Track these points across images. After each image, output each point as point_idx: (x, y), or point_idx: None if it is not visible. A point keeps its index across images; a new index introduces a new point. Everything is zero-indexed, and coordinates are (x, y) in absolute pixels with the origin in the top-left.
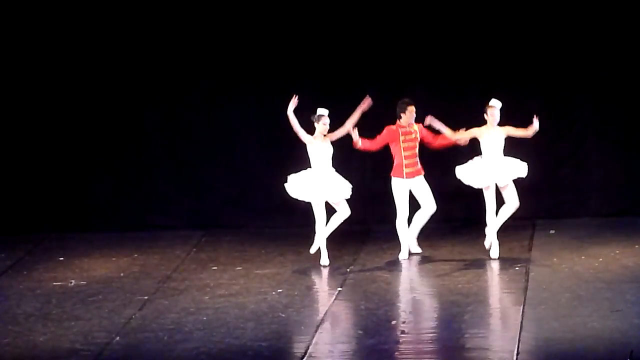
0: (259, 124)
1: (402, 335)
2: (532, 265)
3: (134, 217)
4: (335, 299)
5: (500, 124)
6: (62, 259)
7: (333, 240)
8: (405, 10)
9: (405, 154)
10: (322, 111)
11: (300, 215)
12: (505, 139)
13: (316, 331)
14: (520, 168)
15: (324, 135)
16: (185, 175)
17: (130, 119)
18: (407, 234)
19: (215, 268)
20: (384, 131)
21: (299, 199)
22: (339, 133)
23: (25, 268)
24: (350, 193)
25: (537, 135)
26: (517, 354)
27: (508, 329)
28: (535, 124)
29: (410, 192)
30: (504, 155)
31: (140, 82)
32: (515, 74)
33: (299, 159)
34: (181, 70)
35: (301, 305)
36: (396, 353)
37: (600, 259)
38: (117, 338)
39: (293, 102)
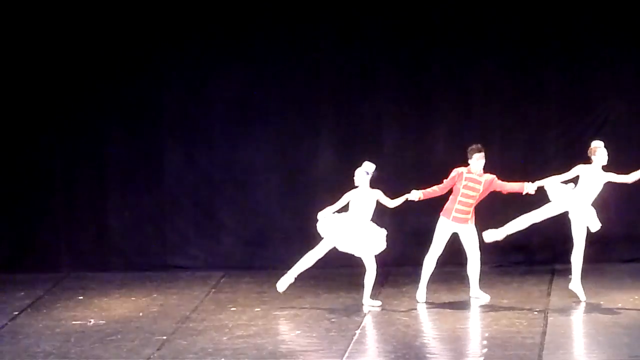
0: (279, 165)
1: None
2: (551, 310)
3: (153, 257)
4: (353, 342)
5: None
6: (81, 298)
7: (351, 281)
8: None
9: (460, 199)
10: (366, 165)
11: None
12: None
13: None
14: (594, 222)
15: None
16: (204, 216)
17: (150, 160)
18: (427, 276)
19: (234, 309)
20: (452, 173)
21: (324, 235)
22: (385, 201)
23: (44, 307)
24: (379, 250)
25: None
26: None
27: None
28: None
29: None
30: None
31: (161, 122)
32: (535, 118)
33: (319, 201)
34: (202, 110)
35: (319, 347)
36: None
37: (619, 305)
38: None
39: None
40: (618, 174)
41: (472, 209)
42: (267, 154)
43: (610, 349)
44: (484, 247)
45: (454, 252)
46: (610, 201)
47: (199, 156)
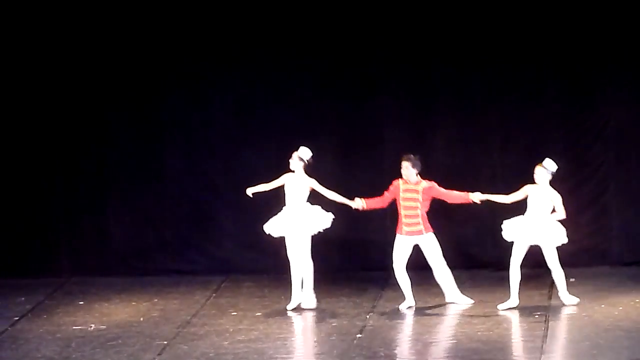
0: (280, 169)
1: None
2: (552, 313)
3: (154, 261)
4: (354, 346)
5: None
6: (82, 303)
7: (351, 286)
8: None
9: (403, 212)
10: (301, 151)
11: (321, 262)
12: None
13: None
14: (559, 235)
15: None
16: (205, 220)
17: (151, 164)
18: (407, 285)
19: (235, 313)
20: (390, 187)
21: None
22: (321, 190)
23: (45, 311)
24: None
25: (557, 183)
26: None
27: None
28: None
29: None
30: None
31: (162, 127)
32: (535, 121)
33: (320, 205)
34: (203, 115)
35: (320, 351)
36: None
37: (620, 308)
38: None
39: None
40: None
41: (420, 219)
42: (267, 157)
43: (610, 352)
44: (485, 249)
45: (459, 255)
46: (612, 204)
47: (199, 160)
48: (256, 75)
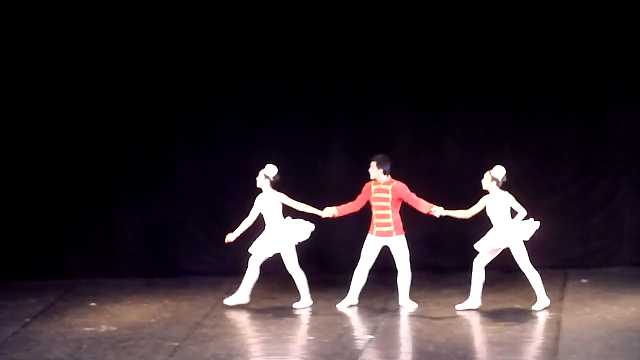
0: (291, 171)
1: None
2: (564, 314)
3: (165, 263)
4: (366, 347)
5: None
6: (93, 304)
7: (364, 287)
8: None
9: (375, 212)
10: (267, 169)
11: (332, 263)
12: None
13: None
14: (526, 230)
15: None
16: (216, 221)
17: (161, 166)
18: (358, 286)
19: (247, 315)
20: (363, 189)
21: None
22: (291, 204)
23: (56, 313)
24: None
25: (569, 185)
26: None
27: None
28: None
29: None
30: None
31: (172, 128)
32: (547, 122)
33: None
34: (212, 117)
35: (332, 353)
36: None
37: (633, 309)
38: None
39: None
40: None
41: (391, 220)
42: (278, 159)
43: (623, 353)
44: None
45: (465, 257)
46: (623, 205)
47: (209, 162)
48: (267, 78)
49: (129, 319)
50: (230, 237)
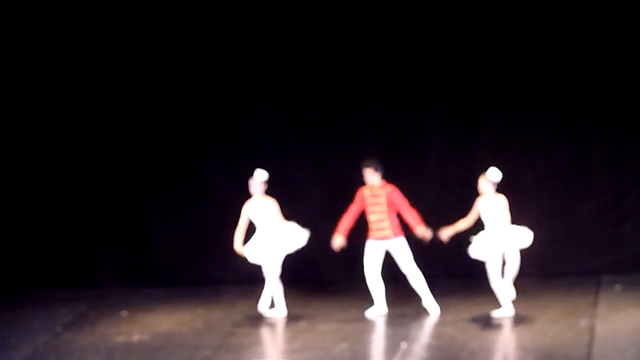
0: (323, 179)
1: None
2: (598, 321)
3: (197, 271)
4: (399, 353)
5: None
6: (125, 313)
7: (396, 292)
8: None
9: (371, 217)
10: (257, 174)
11: (362, 269)
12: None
13: None
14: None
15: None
16: (248, 230)
17: (194, 174)
18: (379, 292)
19: (278, 323)
20: (356, 198)
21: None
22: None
23: (88, 323)
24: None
25: (601, 191)
26: None
27: None
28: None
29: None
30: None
31: (204, 137)
32: (579, 128)
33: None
34: (244, 125)
35: None
36: None
37: None
38: None
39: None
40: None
41: (389, 223)
42: (310, 167)
43: None
44: (528, 257)
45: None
46: None
47: (241, 169)
48: (298, 90)
49: (161, 327)
50: (238, 247)
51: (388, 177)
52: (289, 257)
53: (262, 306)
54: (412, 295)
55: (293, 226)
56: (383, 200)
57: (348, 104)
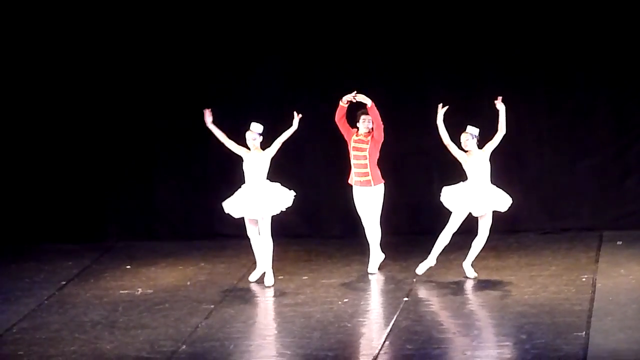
0: (326, 134)
1: (469, 344)
2: (599, 276)
3: (200, 225)
4: (401, 309)
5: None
6: (129, 267)
7: (399, 249)
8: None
9: (353, 162)
10: (253, 127)
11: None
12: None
13: (384, 341)
14: (502, 201)
15: (258, 149)
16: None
17: (196, 128)
18: (375, 247)
19: (282, 277)
20: (349, 128)
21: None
22: (275, 146)
23: (92, 276)
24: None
25: (604, 147)
26: None
27: (574, 340)
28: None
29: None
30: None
31: (207, 93)
32: (582, 84)
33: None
34: (247, 80)
35: (367, 314)
36: None
37: None
38: (184, 347)
39: (208, 115)
40: None
41: (369, 169)
42: (314, 123)
43: None
44: (531, 214)
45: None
46: None
47: (244, 124)
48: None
49: (164, 281)
50: (208, 117)
51: (392, 133)
52: (294, 213)
53: (256, 274)
54: (415, 250)
55: (278, 187)
56: (366, 146)
57: (351, 62)
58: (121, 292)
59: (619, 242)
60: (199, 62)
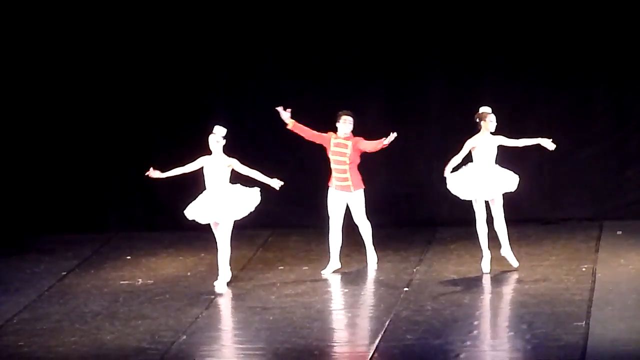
0: (327, 124)
1: (469, 335)
2: (599, 266)
3: None
4: (401, 299)
5: (495, 132)
6: (129, 257)
7: (398, 239)
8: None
9: (333, 166)
10: (216, 130)
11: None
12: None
13: (384, 331)
14: (510, 182)
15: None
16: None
17: (196, 118)
18: (337, 247)
19: (282, 267)
20: (324, 133)
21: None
22: (244, 170)
23: (92, 267)
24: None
25: (604, 137)
26: (584, 355)
27: (574, 330)
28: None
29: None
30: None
31: (209, 84)
32: (582, 74)
33: (363, 160)
34: (249, 65)
35: (367, 305)
36: (463, 354)
37: None
38: (184, 337)
39: (153, 172)
40: None
41: (349, 174)
42: (314, 111)
43: None
44: (531, 205)
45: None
46: None
47: (244, 115)
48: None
49: (165, 271)
50: (154, 173)
51: (392, 125)
52: (294, 204)
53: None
54: (415, 241)
55: (241, 189)
56: (347, 151)
57: (352, 55)
58: (122, 282)
59: (619, 232)
60: (199, 52)
